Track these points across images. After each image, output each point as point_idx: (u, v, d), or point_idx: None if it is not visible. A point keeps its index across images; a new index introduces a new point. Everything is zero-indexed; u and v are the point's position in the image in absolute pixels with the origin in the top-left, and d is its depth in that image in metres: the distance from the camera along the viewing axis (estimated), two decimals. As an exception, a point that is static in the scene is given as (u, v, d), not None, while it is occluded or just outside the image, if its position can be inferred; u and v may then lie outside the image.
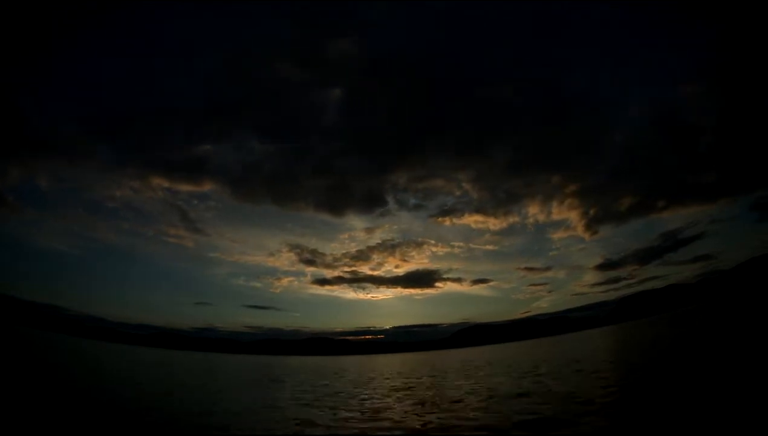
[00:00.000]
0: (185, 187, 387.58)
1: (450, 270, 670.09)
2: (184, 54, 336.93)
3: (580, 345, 36.63)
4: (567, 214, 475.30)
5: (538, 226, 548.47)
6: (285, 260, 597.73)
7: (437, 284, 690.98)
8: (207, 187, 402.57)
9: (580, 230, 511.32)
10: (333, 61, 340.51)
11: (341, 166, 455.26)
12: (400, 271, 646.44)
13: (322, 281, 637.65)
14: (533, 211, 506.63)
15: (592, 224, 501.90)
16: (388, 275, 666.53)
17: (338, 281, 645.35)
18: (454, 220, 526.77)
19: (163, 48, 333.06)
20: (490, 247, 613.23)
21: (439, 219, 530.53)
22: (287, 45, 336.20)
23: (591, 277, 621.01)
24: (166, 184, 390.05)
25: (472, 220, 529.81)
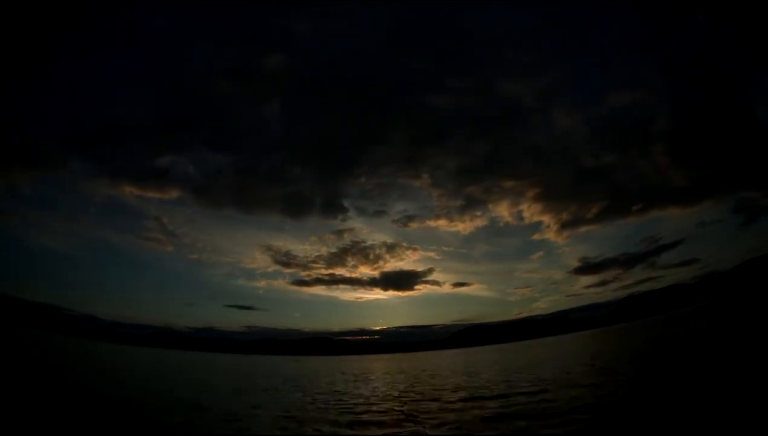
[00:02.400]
0: (154, 195, 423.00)
1: (428, 272, 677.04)
2: (139, 74, 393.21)
3: (568, 347, 36.27)
4: (539, 217, 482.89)
5: (512, 228, 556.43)
6: (261, 262, 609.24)
7: (417, 287, 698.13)
8: (174, 194, 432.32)
9: (553, 234, 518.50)
10: (267, 76, 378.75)
11: (294, 175, 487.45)
12: (377, 273, 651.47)
13: (301, 283, 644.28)
14: (502, 214, 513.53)
15: (566, 227, 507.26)
16: (366, 278, 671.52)
17: (317, 282, 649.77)
18: (419, 224, 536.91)
19: (119, 70, 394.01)
20: (465, 250, 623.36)
21: (399, 224, 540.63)
22: (223, 63, 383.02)
23: (586, 279, 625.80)
24: (137, 192, 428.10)
25: (438, 224, 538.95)
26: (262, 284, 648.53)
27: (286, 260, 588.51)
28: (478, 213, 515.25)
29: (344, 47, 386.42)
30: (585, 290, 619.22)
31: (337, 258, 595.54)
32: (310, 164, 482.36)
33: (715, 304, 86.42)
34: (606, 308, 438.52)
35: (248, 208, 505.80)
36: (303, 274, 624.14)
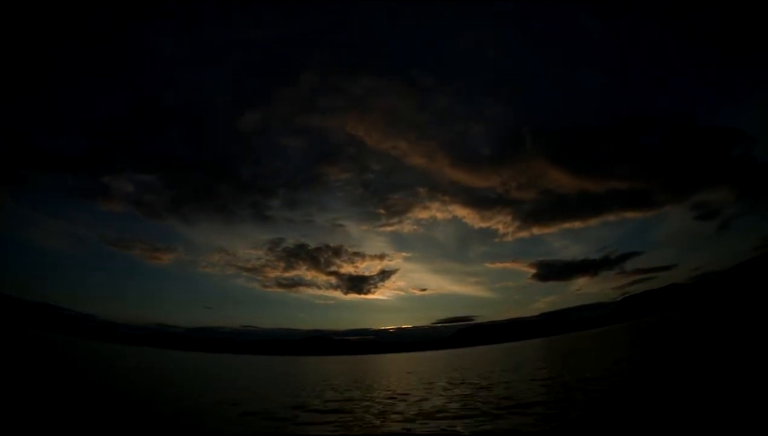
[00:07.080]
0: (104, 207, 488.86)
1: (385, 276, 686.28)
2: (63, 112, 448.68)
3: (554, 349, 35.08)
4: (482, 223, 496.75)
5: (458, 232, 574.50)
6: (219, 267, 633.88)
7: (379, 289, 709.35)
8: (118, 208, 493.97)
9: (504, 238, 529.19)
10: (164, 110, 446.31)
11: (217, 191, 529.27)
12: (332, 279, 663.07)
13: (265, 285, 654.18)
14: (435, 219, 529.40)
15: (517, 232, 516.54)
16: (324, 282, 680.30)
17: (279, 285, 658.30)
18: (350, 231, 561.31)
19: (49, 109, 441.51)
20: (406, 254, 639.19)
21: (331, 231, 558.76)
22: (126, 101, 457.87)
23: (583, 281, 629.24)
24: (89, 204, 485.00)
25: (368, 229, 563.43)
26: (229, 284, 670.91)
27: (243, 265, 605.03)
28: (408, 219, 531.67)
29: (216, 80, 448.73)
30: (579, 292, 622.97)
31: (291, 263, 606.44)
32: (224, 181, 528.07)
33: (718, 303, 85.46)
34: (606, 308, 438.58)
35: (186, 219, 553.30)
36: (261, 277, 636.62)
